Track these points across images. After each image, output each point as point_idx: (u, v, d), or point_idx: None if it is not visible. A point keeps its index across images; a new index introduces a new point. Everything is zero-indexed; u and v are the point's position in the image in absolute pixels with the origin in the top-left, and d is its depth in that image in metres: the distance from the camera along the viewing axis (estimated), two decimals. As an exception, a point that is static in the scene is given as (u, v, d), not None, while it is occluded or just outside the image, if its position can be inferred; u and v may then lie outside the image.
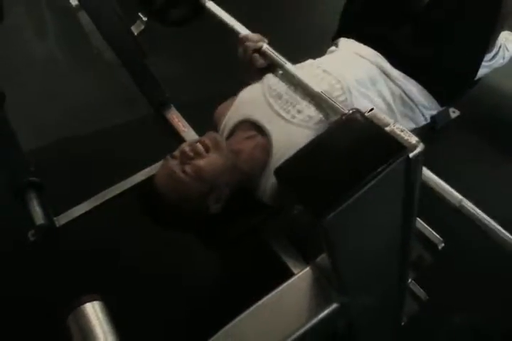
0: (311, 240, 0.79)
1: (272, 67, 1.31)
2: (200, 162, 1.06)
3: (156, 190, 1.08)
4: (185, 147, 1.08)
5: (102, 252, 1.68)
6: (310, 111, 1.16)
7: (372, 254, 0.52)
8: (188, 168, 1.04)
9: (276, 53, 1.26)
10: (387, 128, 0.41)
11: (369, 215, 0.44)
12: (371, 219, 0.45)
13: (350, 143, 0.42)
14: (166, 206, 1.08)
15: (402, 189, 0.44)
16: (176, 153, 1.09)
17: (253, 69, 1.33)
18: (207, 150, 1.08)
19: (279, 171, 0.42)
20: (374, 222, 0.47)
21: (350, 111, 0.43)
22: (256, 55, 1.27)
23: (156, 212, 1.11)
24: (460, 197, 0.88)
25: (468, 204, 0.86)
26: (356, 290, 0.56)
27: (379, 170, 0.39)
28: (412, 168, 0.41)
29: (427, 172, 0.92)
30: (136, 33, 1.63)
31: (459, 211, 0.86)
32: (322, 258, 0.57)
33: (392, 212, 0.48)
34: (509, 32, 1.62)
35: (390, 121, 0.41)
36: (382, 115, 0.42)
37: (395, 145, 0.40)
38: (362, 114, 0.43)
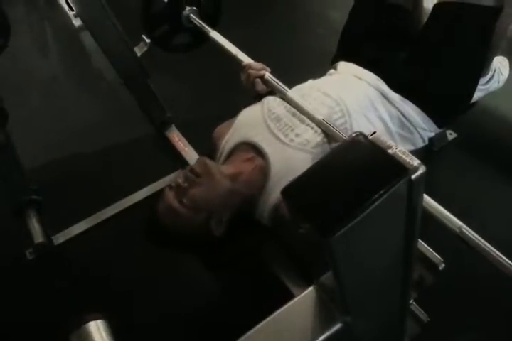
0: (313, 261, 0.80)
1: (274, 94, 1.34)
2: (194, 191, 1.09)
3: (159, 221, 1.12)
4: (178, 179, 1.12)
5: (99, 271, 1.67)
6: (308, 134, 1.18)
7: (376, 273, 0.53)
8: (185, 200, 1.08)
9: (278, 81, 1.31)
10: (390, 151, 0.43)
11: (373, 234, 0.45)
12: (375, 239, 0.46)
13: (355, 165, 0.44)
14: (170, 233, 1.12)
15: (404, 209, 0.46)
16: (173, 184, 1.13)
17: (256, 94, 1.38)
18: (198, 177, 1.11)
19: (286, 191, 0.44)
20: (378, 241, 0.48)
21: (354, 134, 0.45)
22: (258, 80, 1.33)
23: (161, 239, 1.15)
24: (460, 223, 0.89)
25: (469, 231, 0.87)
26: (359, 309, 0.56)
27: (383, 190, 0.40)
28: (414, 189, 0.43)
29: (426, 198, 0.94)
30: (139, 54, 1.65)
31: (459, 237, 0.88)
32: (325, 277, 0.58)
33: (394, 231, 0.49)
34: (503, 57, 1.66)
35: (393, 143, 0.43)
36: (384, 138, 0.44)
37: (397, 168, 0.41)
38: (365, 136, 0.44)
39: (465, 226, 0.89)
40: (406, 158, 0.42)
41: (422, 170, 0.41)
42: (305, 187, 0.44)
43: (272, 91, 1.33)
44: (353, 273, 0.48)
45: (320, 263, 0.54)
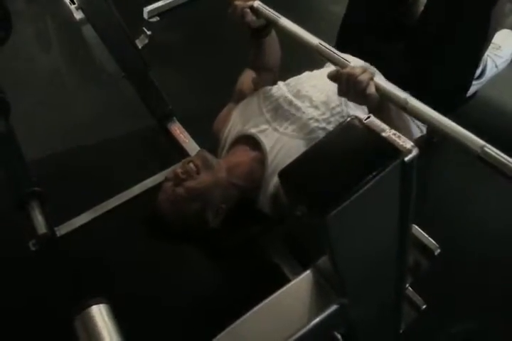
0: (310, 245, 0.81)
1: (266, 27, 1.25)
2: (191, 183, 1.13)
3: (159, 213, 1.19)
4: (177, 169, 1.15)
5: (102, 262, 1.69)
6: (302, 121, 1.20)
7: (371, 255, 0.55)
8: (179, 189, 1.13)
9: (269, 9, 1.20)
10: (384, 134, 0.44)
11: (368, 215, 0.46)
12: (370, 220, 0.48)
13: (350, 148, 0.45)
14: (169, 223, 1.19)
15: (398, 191, 0.47)
16: (171, 175, 1.16)
17: (249, 30, 1.28)
18: (197, 170, 1.14)
19: (282, 174, 0.45)
20: (373, 223, 0.49)
21: (349, 118, 0.46)
22: (247, 10, 1.22)
23: (160, 228, 1.22)
24: (482, 142, 0.81)
25: (492, 149, 0.79)
26: (355, 291, 0.58)
27: (376, 172, 0.42)
28: (407, 171, 0.44)
29: (444, 119, 0.89)
30: (140, 47, 1.67)
31: (480, 158, 0.79)
32: (322, 260, 0.59)
33: (389, 213, 0.50)
34: (509, 30, 1.64)
35: (387, 127, 0.44)
36: (379, 122, 0.45)
37: (390, 150, 0.43)
38: (360, 120, 0.46)
39: (488, 145, 0.79)
40: (399, 141, 0.43)
41: (415, 152, 0.43)
42: (301, 170, 0.45)
43: (267, 24, 1.24)
44: (348, 253, 0.50)
45: (316, 247, 0.56)
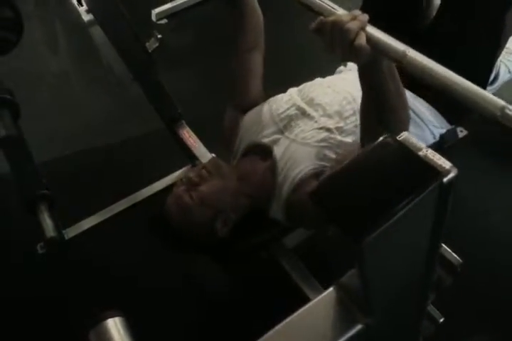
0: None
1: None
2: (203, 188, 1.11)
3: (166, 217, 1.15)
4: (189, 174, 1.13)
5: (111, 265, 1.69)
6: (313, 130, 1.18)
7: (400, 275, 0.53)
8: (194, 195, 1.11)
9: None
10: (421, 153, 0.42)
11: (402, 238, 0.45)
12: (403, 240, 0.46)
13: (385, 168, 0.43)
14: (176, 231, 1.15)
15: (433, 212, 0.45)
16: (183, 180, 1.15)
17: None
18: (210, 176, 1.13)
19: (314, 194, 0.43)
20: (405, 243, 0.47)
21: (383, 137, 0.44)
22: None
23: (168, 238, 1.18)
24: (502, 103, 0.69)
25: None
26: (382, 310, 0.56)
27: (415, 194, 0.40)
28: (445, 192, 0.42)
29: (454, 76, 0.75)
30: (150, 50, 1.65)
31: (499, 122, 0.68)
32: (346, 278, 0.57)
33: (421, 233, 0.49)
34: None
35: (423, 145, 0.43)
36: (414, 139, 0.43)
37: (429, 171, 0.41)
38: (394, 138, 0.44)
39: (510, 107, 0.68)
40: (437, 161, 0.41)
41: (453, 173, 0.41)
42: (334, 191, 0.43)
43: None
44: (378, 275, 0.48)
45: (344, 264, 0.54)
